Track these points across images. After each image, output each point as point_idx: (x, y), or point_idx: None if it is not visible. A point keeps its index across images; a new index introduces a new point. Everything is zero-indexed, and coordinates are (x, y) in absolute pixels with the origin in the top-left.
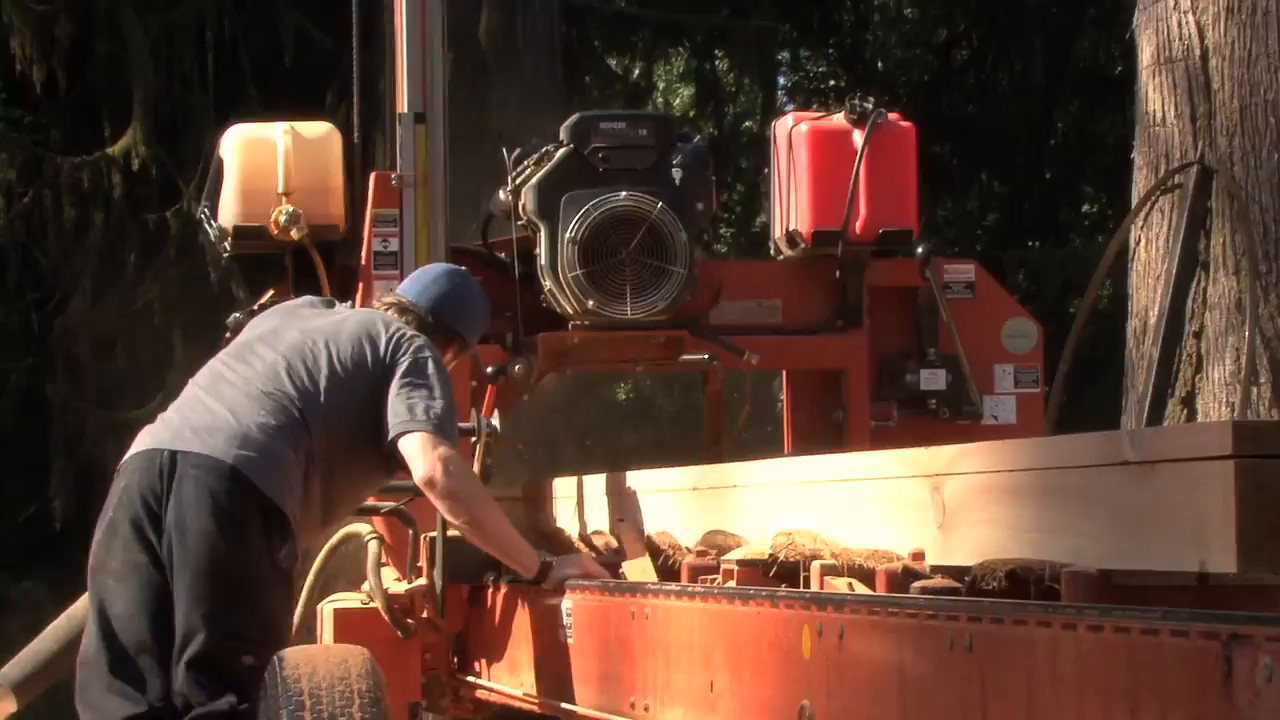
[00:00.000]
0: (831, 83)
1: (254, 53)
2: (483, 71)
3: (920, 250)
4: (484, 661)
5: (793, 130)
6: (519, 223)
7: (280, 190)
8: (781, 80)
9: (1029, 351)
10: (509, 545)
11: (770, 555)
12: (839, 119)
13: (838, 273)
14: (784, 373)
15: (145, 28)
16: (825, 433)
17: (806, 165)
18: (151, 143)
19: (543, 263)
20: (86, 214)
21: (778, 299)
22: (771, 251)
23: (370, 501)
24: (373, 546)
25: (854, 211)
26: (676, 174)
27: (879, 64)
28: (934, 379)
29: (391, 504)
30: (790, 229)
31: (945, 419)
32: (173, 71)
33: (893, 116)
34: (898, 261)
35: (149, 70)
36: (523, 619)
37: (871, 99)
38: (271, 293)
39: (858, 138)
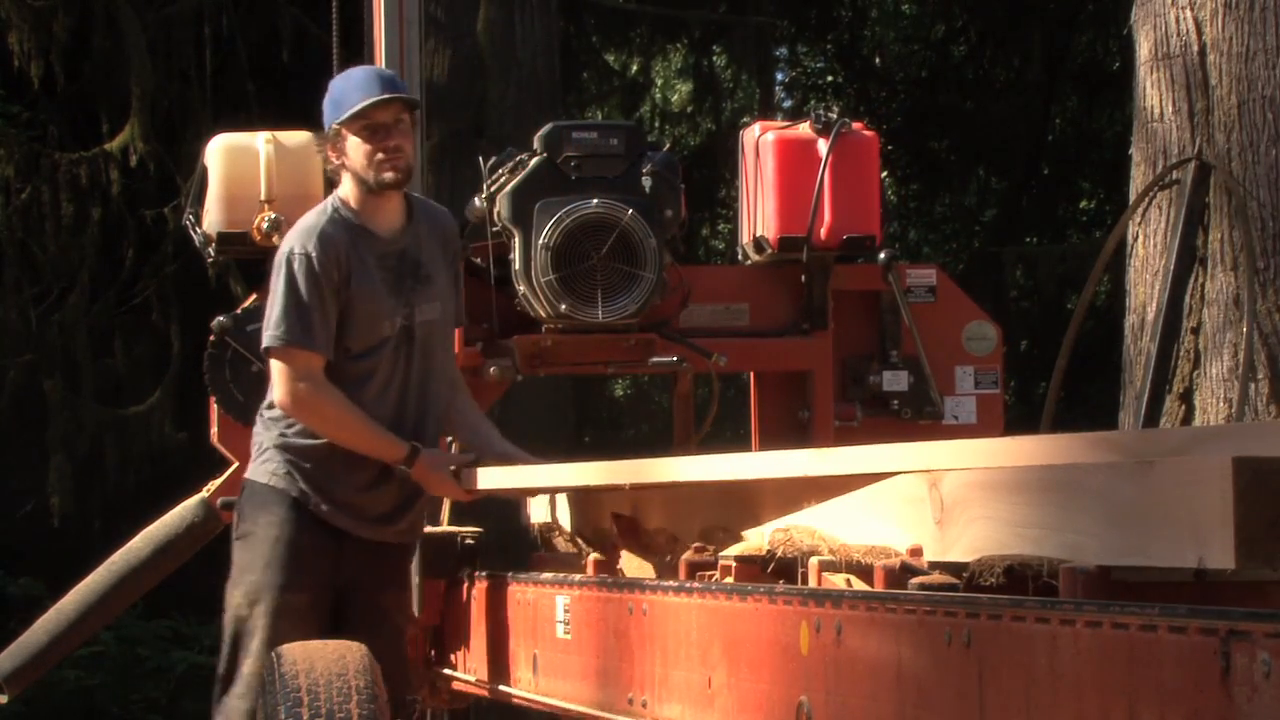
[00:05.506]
0: (830, 78)
1: (252, 49)
2: (480, 67)
3: (883, 255)
4: (462, 654)
5: (759, 139)
6: (494, 229)
7: (262, 198)
8: (780, 76)
9: (989, 354)
10: (367, 441)
11: (768, 551)
12: (804, 128)
13: (803, 277)
14: (751, 374)
15: (143, 23)
16: (791, 432)
17: (773, 173)
18: (149, 139)
19: (517, 268)
20: (84, 210)
21: (745, 303)
22: (739, 257)
23: None
24: None
25: (819, 218)
26: (646, 182)
27: (877, 59)
28: (896, 380)
29: None
30: (757, 235)
31: (907, 419)
32: (171, 67)
33: (856, 125)
34: (861, 266)
35: (147, 66)
36: (511, 613)
37: (836, 109)
38: (254, 297)
39: (822, 146)
